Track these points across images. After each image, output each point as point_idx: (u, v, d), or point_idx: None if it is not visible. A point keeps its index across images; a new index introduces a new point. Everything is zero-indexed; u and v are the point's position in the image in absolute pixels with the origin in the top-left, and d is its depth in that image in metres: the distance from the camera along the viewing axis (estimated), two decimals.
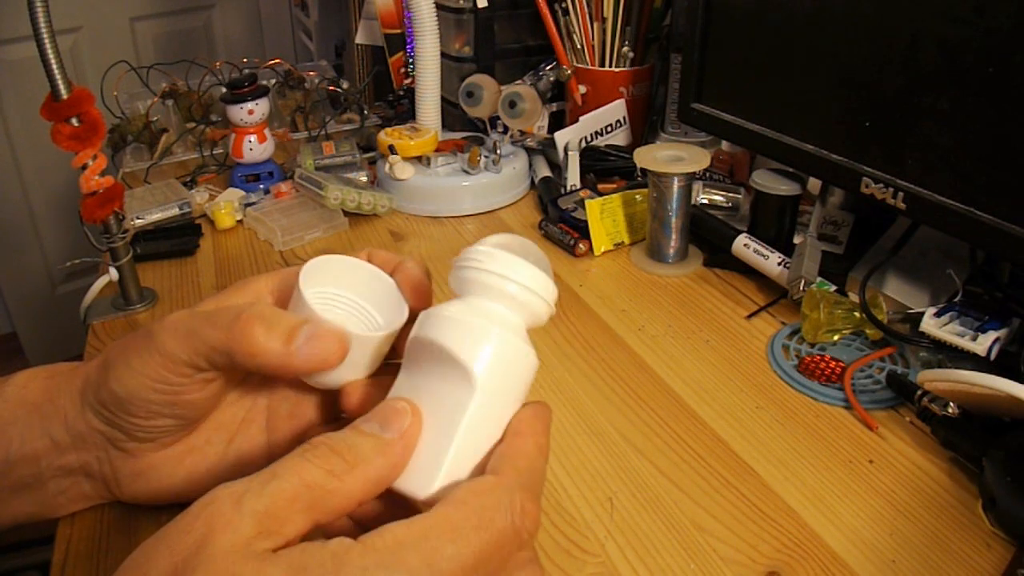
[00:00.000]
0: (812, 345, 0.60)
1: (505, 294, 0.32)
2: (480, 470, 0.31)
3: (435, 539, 0.26)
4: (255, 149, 0.89)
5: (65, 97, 0.58)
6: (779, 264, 0.65)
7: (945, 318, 0.54)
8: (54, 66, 0.57)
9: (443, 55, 0.93)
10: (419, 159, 0.87)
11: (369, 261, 0.40)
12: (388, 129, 0.89)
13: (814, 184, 0.71)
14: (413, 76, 1.00)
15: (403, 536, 0.26)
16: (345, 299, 0.39)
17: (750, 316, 0.65)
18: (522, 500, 0.29)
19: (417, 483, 0.30)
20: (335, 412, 0.41)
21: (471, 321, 0.31)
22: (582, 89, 0.93)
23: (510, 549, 0.28)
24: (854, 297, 0.61)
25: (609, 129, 0.94)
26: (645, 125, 0.97)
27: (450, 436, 0.30)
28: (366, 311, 0.38)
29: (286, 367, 0.34)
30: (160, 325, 0.36)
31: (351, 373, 0.36)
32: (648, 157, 0.70)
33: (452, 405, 0.31)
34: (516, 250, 0.33)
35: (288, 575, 0.25)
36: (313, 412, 0.40)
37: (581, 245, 0.75)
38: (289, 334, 0.33)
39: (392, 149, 0.86)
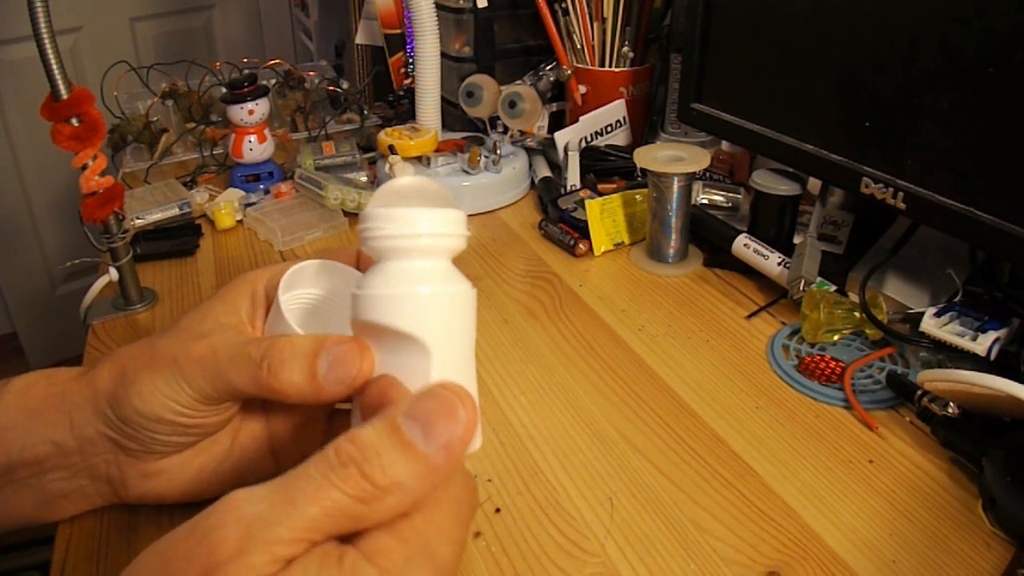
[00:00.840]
0: (812, 345, 0.60)
1: (418, 249, 0.32)
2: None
3: (436, 544, 0.27)
4: (255, 149, 0.89)
5: (65, 97, 0.58)
6: (779, 264, 0.65)
7: (945, 318, 0.54)
8: (54, 66, 0.57)
9: (443, 55, 0.93)
10: (419, 159, 0.87)
11: (358, 258, 0.40)
12: (388, 129, 0.89)
13: (814, 184, 0.71)
14: (413, 76, 1.00)
15: (409, 552, 0.26)
16: (326, 301, 0.39)
17: (750, 316, 0.65)
18: (465, 473, 0.30)
19: None
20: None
21: (401, 292, 0.31)
22: (582, 89, 0.93)
23: (474, 511, 0.30)
24: (854, 297, 0.61)
25: (609, 129, 0.94)
26: (645, 125, 0.97)
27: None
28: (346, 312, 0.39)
29: (318, 399, 0.34)
30: (186, 354, 0.36)
31: None
32: (648, 157, 0.70)
33: (417, 369, 0.31)
34: (410, 195, 0.33)
35: None
36: None
37: (581, 245, 0.75)
38: (310, 368, 0.34)
39: (392, 149, 0.86)
